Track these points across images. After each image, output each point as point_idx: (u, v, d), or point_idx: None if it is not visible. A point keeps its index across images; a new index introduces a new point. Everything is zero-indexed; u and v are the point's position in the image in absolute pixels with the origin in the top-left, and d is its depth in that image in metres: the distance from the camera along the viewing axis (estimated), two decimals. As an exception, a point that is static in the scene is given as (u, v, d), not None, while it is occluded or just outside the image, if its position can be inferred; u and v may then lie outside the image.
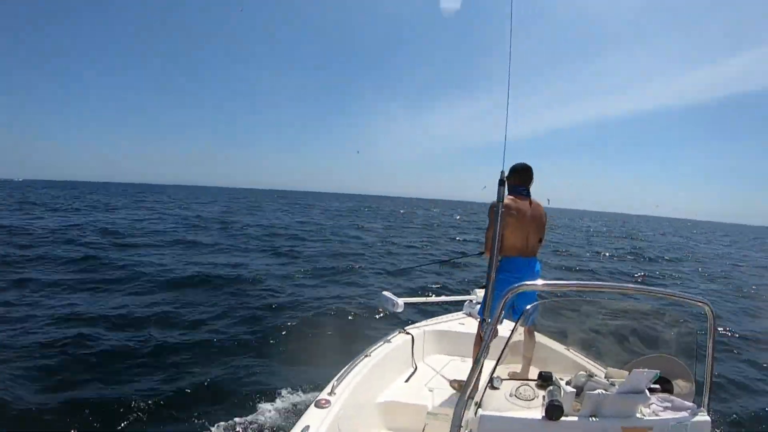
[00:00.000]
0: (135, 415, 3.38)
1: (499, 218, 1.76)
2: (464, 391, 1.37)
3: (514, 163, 2.62)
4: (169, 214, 22.50)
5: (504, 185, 1.84)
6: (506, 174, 2.39)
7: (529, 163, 2.65)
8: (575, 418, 1.34)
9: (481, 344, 1.44)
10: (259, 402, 3.64)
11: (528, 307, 1.57)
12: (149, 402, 3.52)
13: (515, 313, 1.97)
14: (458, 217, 41.51)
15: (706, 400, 1.49)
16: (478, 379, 1.41)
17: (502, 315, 1.41)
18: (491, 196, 1.92)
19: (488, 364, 1.44)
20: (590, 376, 1.42)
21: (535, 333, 2.41)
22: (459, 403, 1.35)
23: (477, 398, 1.39)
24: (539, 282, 1.52)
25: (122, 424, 3.28)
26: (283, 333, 5.35)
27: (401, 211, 44.81)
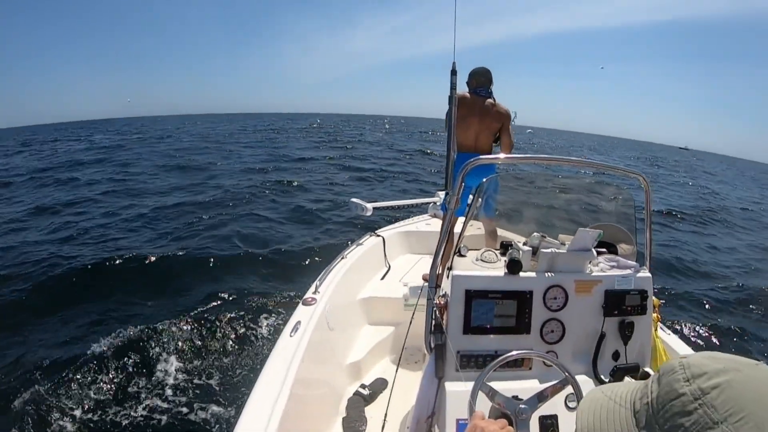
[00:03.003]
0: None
1: (454, 102, 1.84)
2: (435, 258, 1.50)
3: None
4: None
5: (455, 75, 1.92)
6: (467, 79, 2.56)
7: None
8: (533, 274, 1.47)
9: (446, 216, 1.54)
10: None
11: (484, 180, 1.64)
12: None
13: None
14: (319, 121, 58.22)
15: (648, 260, 1.60)
16: (446, 253, 1.53)
17: (462, 188, 1.50)
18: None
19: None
20: (543, 236, 1.50)
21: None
22: (432, 268, 1.50)
23: (448, 264, 1.51)
24: (492, 156, 1.59)
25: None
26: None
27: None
